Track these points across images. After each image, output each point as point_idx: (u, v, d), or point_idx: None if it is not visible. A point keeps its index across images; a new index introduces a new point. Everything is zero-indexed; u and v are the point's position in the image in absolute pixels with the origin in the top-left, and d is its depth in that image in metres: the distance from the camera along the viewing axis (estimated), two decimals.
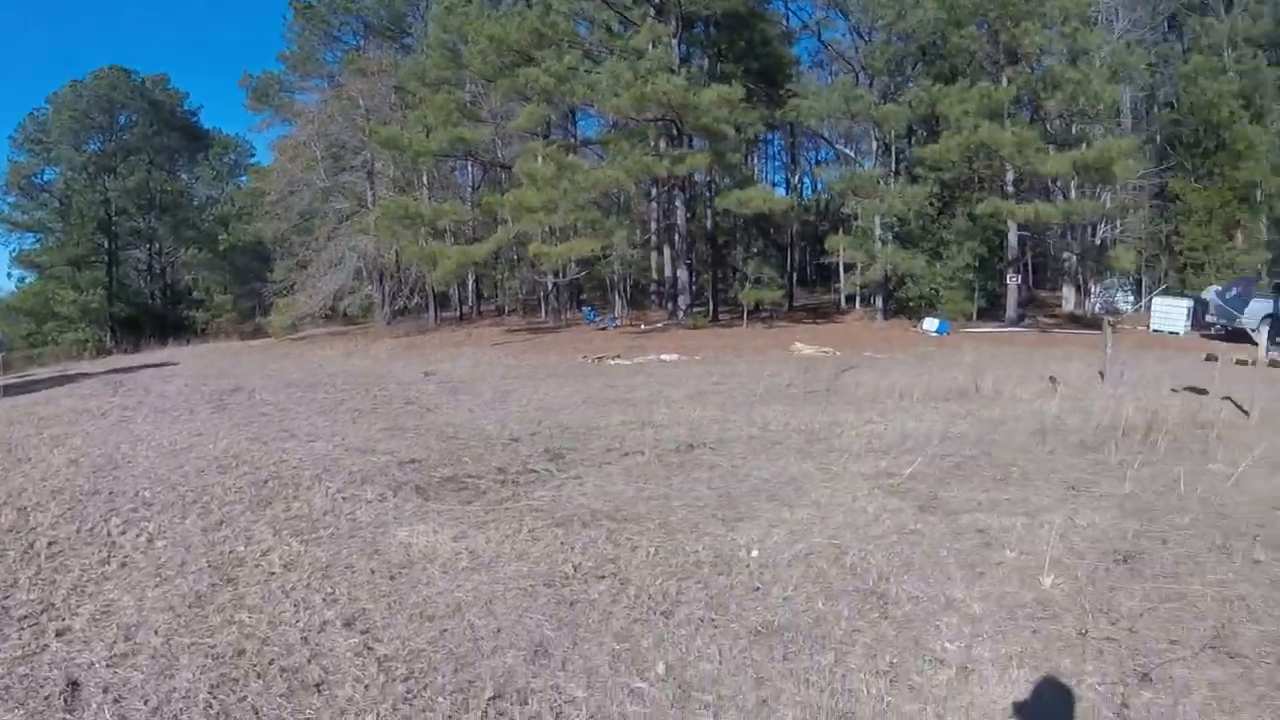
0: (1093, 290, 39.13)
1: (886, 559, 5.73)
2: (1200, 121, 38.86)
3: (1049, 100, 32.62)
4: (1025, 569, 5.66)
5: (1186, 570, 5.78)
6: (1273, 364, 18.71)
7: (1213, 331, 28.16)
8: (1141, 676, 4.45)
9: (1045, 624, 4.94)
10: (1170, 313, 31.37)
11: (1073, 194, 35.81)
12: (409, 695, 3.95)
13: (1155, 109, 45.43)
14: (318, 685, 4.01)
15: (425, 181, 42.00)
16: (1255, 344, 19.37)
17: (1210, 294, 26.86)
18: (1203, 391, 12.85)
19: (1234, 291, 22.59)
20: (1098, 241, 38.46)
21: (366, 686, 4.01)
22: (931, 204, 34.61)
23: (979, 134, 30.24)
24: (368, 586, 5.12)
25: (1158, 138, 43.31)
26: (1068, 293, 39.80)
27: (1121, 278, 39.80)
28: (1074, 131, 35.41)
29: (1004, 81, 32.34)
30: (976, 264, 33.86)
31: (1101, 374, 14.57)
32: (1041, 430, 10.23)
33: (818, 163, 54.35)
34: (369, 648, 4.38)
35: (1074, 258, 38.57)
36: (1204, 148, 39.04)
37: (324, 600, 4.89)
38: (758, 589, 5.21)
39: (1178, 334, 30.07)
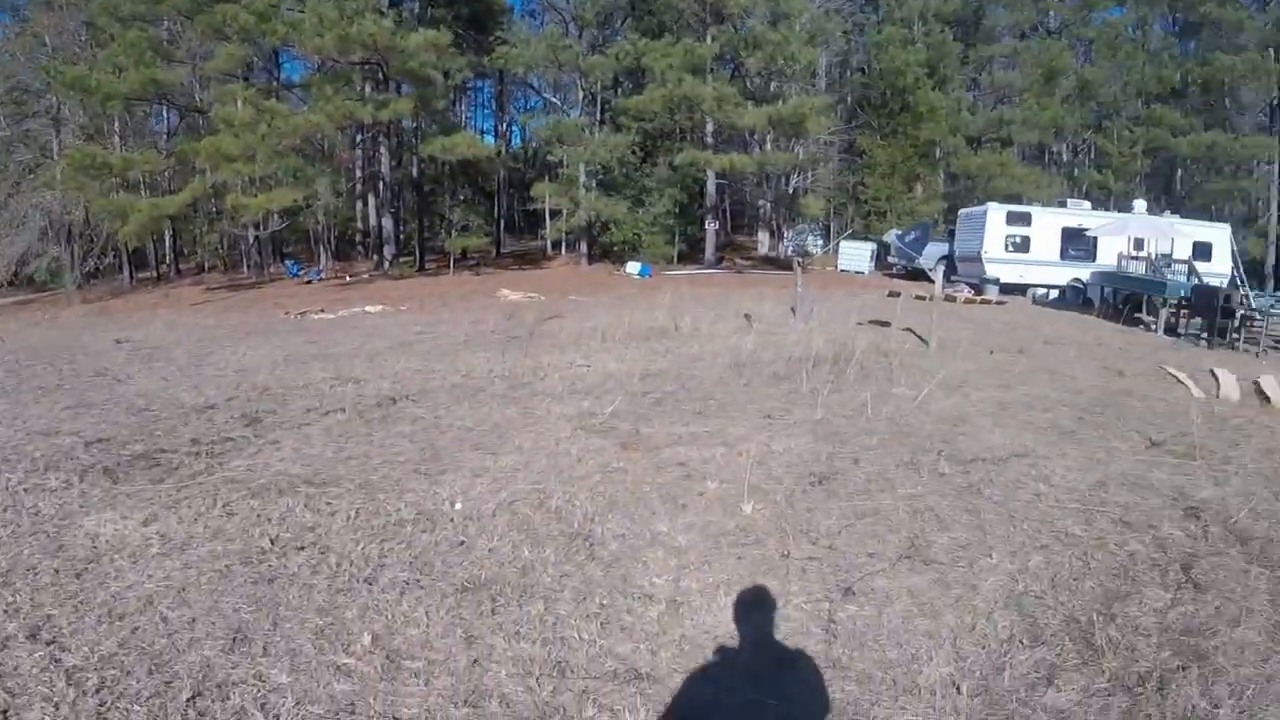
0: (786, 234, 41.52)
1: (591, 500, 5.71)
2: (888, 86, 41.76)
3: (749, 58, 34.09)
4: (727, 498, 5.81)
5: (878, 487, 6.16)
6: (948, 299, 20.42)
7: (894, 271, 30.69)
8: (845, 591, 4.65)
9: (749, 549, 5.08)
10: (856, 254, 33.93)
11: (768, 146, 37.61)
12: (102, 708, 3.45)
13: (848, 72, 49.15)
14: (3, 714, 3.45)
15: (117, 129, 37.63)
16: (932, 282, 21.09)
17: (891, 237, 29.17)
18: (886, 324, 13.85)
19: (912, 236, 24.84)
20: (790, 190, 40.85)
21: (56, 705, 3.46)
22: (634, 153, 35.44)
23: (682, 87, 31.22)
24: (52, 589, 4.45)
25: (849, 98, 46.82)
26: (763, 237, 42.26)
27: (812, 223, 42.50)
28: (771, 89, 37.42)
29: (708, 39, 33.52)
30: (677, 210, 35.33)
31: (793, 310, 15.39)
32: (738, 364, 10.68)
33: (526, 110, 54.10)
34: (56, 660, 3.78)
35: (768, 205, 40.83)
36: (890, 109, 42.01)
37: (4, 612, 4.23)
38: (463, 543, 5.02)
39: (863, 273, 32.59)
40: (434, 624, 4.11)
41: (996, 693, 3.86)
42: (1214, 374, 12.55)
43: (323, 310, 21.24)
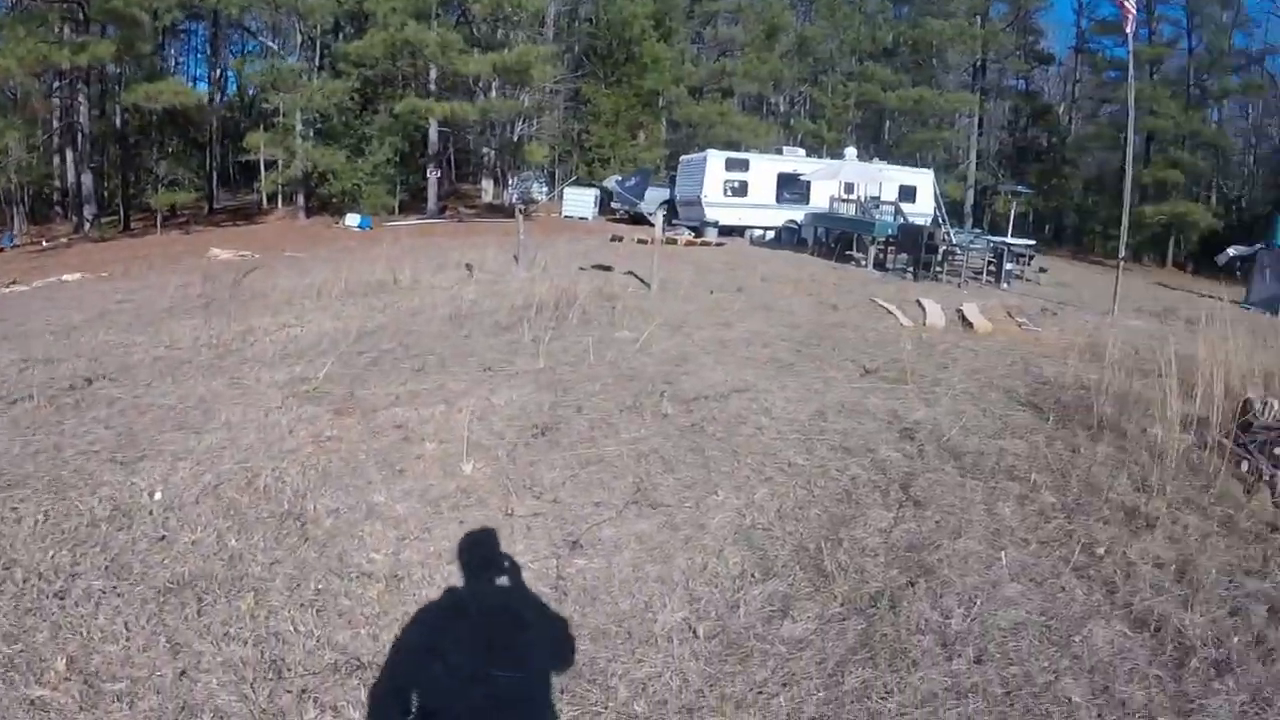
0: (511, 182, 41.01)
1: (302, 474, 5.13)
2: (615, 36, 42.01)
3: (476, 4, 33.30)
4: (446, 458, 5.41)
5: (602, 434, 5.94)
6: (669, 242, 20.66)
7: (618, 216, 30.88)
8: (572, 545, 4.43)
9: (471, 511, 4.75)
10: (580, 200, 33.97)
11: (493, 94, 36.84)
12: None
13: (576, 22, 48.78)
14: None
15: None
16: (653, 226, 21.27)
17: (612, 183, 29.33)
18: (609, 269, 13.80)
19: (633, 181, 25.03)
20: (515, 138, 40.30)
21: None
22: (353, 100, 33.74)
23: (405, 32, 30.07)
24: None
25: (575, 47, 46.70)
26: (487, 185, 41.59)
27: (536, 170, 42.14)
28: (498, 36, 36.49)
29: None
30: (398, 159, 33.98)
31: (516, 258, 15.07)
32: (459, 316, 10.23)
33: (241, 55, 50.41)
34: None
35: (493, 153, 40.13)
36: (616, 59, 42.28)
37: None
38: (163, 538, 4.35)
39: (587, 219, 32.66)
40: (135, 636, 3.55)
41: (733, 631, 3.78)
42: (920, 304, 13.34)
43: (14, 282, 18.84)
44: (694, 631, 3.77)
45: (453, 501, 4.85)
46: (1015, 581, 4.26)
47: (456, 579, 4.11)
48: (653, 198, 28.36)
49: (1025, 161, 47.94)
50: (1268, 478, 5.79)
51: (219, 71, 47.92)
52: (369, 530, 4.49)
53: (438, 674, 3.46)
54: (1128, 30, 15.21)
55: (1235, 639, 3.88)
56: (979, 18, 44.09)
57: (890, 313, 12.54)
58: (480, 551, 4.33)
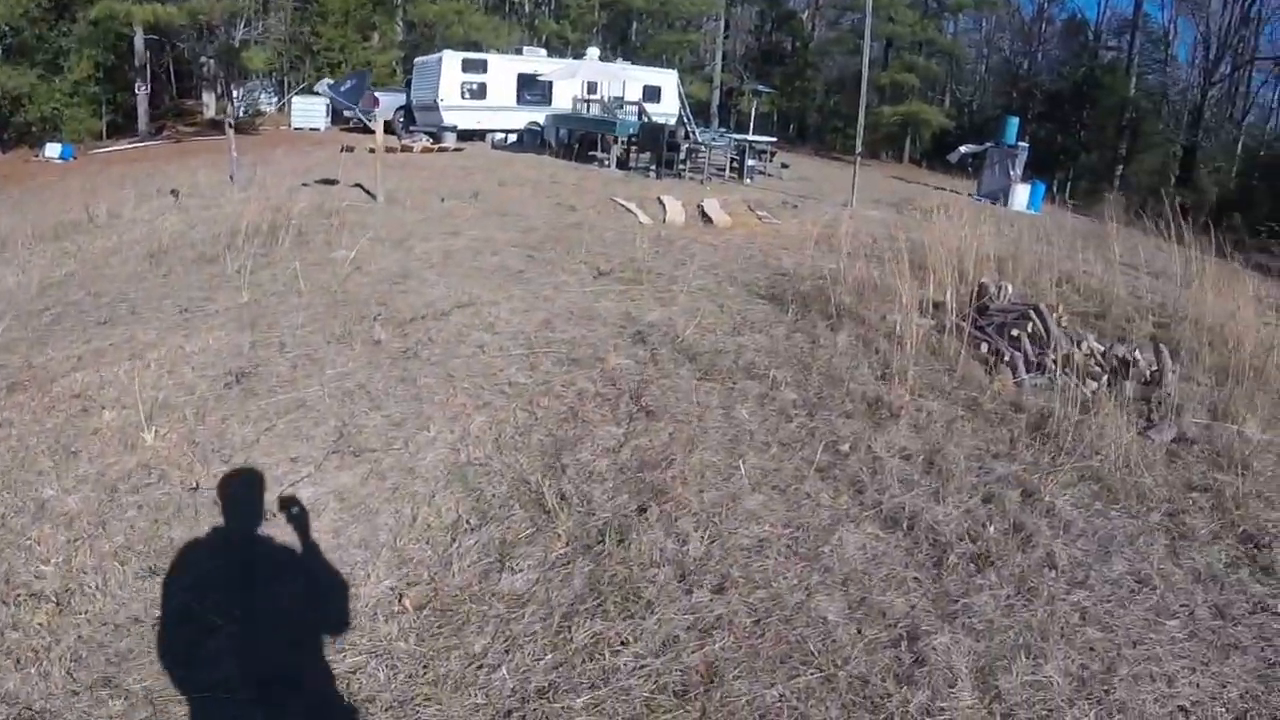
0: (235, 94, 37.81)
1: None
2: None
3: None
4: (126, 429, 4.62)
5: (305, 373, 5.31)
6: (404, 149, 19.92)
7: (351, 125, 28.99)
8: (263, 516, 3.88)
9: (151, 491, 4.07)
10: (310, 110, 31.67)
11: None
12: None
13: None
14: None
15: None
16: (390, 134, 20.00)
17: (322, 88, 27.23)
18: (334, 182, 12.74)
19: (348, 85, 22.76)
20: (237, 44, 36.99)
21: None
22: (41, 8, 29.62)
23: None
24: None
25: None
26: (208, 99, 37.97)
27: (263, 80, 39.11)
28: None
29: None
30: (101, 75, 30.14)
31: (232, 178, 13.67)
32: (159, 253, 9.04)
33: None
34: None
35: (210, 62, 36.68)
36: None
37: None
38: None
39: (319, 130, 30.52)
40: None
41: (447, 594, 3.39)
42: (661, 201, 13.05)
43: None
44: (401, 600, 3.36)
45: (132, 482, 4.15)
46: (757, 492, 4.09)
47: (130, 584, 3.47)
48: (387, 104, 26.89)
49: (770, 64, 48.72)
50: (1007, 358, 5.83)
51: None
52: (38, 535, 3.76)
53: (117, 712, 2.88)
54: None
55: (990, 528, 3.86)
56: None
57: (630, 211, 12.22)
58: (158, 543, 3.71)
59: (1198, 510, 4.14)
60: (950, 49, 44.51)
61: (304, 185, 12.87)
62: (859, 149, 16.74)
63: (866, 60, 18.06)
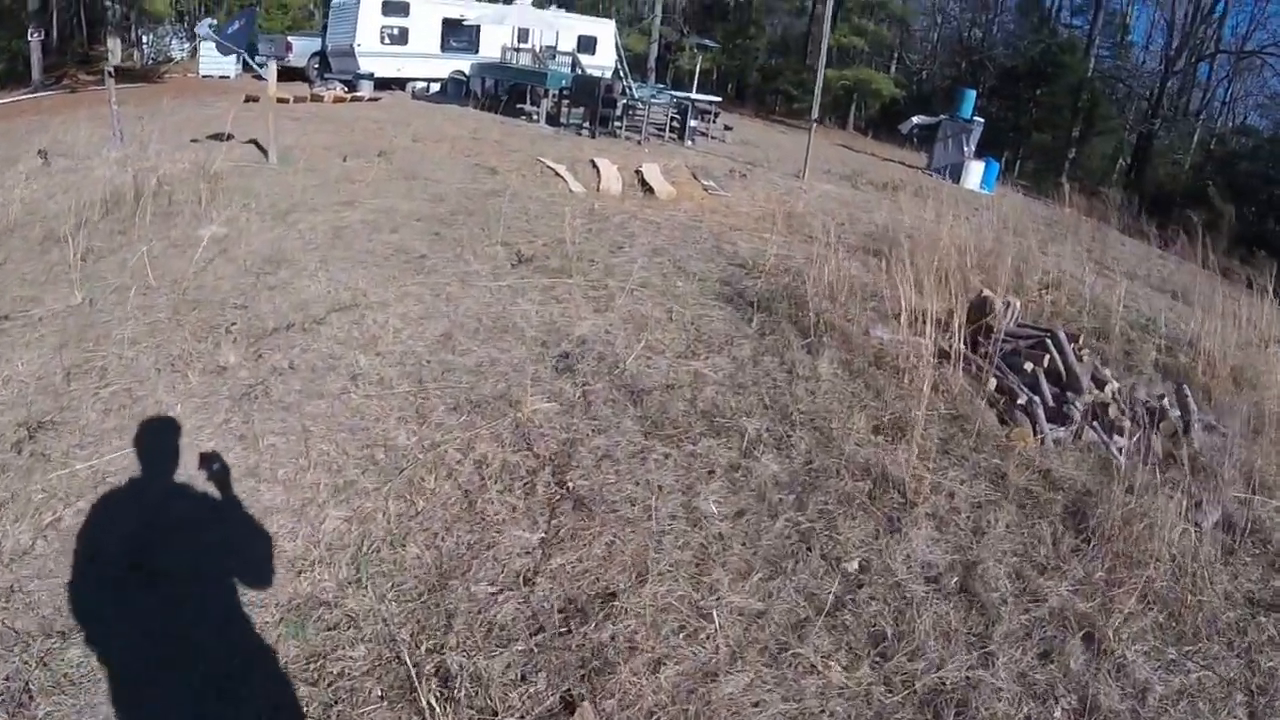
0: (144, 40, 35.29)
1: None
2: None
3: None
4: None
5: (117, 423, 4.01)
6: (314, 98, 18.37)
7: (262, 73, 26.93)
8: None
9: None
10: (219, 56, 29.48)
11: None
12: None
13: None
14: None
15: None
16: (307, 82, 18.29)
17: (203, 28, 25.08)
18: (228, 137, 11.19)
19: (235, 26, 20.46)
20: None
21: None
22: None
23: None
24: None
25: None
26: (114, 45, 35.39)
27: (176, 24, 36.55)
28: None
29: None
30: None
31: (121, 135, 11.99)
32: (3, 231, 7.44)
33: None
34: None
35: (116, 7, 34.14)
36: None
37: None
38: None
39: (229, 77, 28.32)
40: None
41: None
42: (595, 165, 11.77)
43: None
44: None
45: None
46: (738, 662, 2.89)
47: None
48: (301, 49, 25.09)
49: (711, 20, 47.22)
50: (1022, 402, 4.75)
51: None
52: None
53: None
54: None
55: (1058, 711, 2.85)
56: None
57: (559, 176, 10.90)
58: None
59: (1273, 647, 3.26)
60: (902, 14, 43.38)
61: (193, 141, 11.31)
62: (814, 116, 15.51)
63: (828, 21, 16.81)
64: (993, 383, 5.04)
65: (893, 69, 44.63)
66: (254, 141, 10.99)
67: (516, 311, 5.47)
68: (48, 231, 7.06)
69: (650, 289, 6.20)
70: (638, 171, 11.69)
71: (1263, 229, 23.68)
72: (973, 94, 21.47)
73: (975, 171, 18.74)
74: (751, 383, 4.72)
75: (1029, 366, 5.08)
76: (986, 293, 5.84)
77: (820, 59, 15.77)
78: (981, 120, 20.52)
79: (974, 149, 19.43)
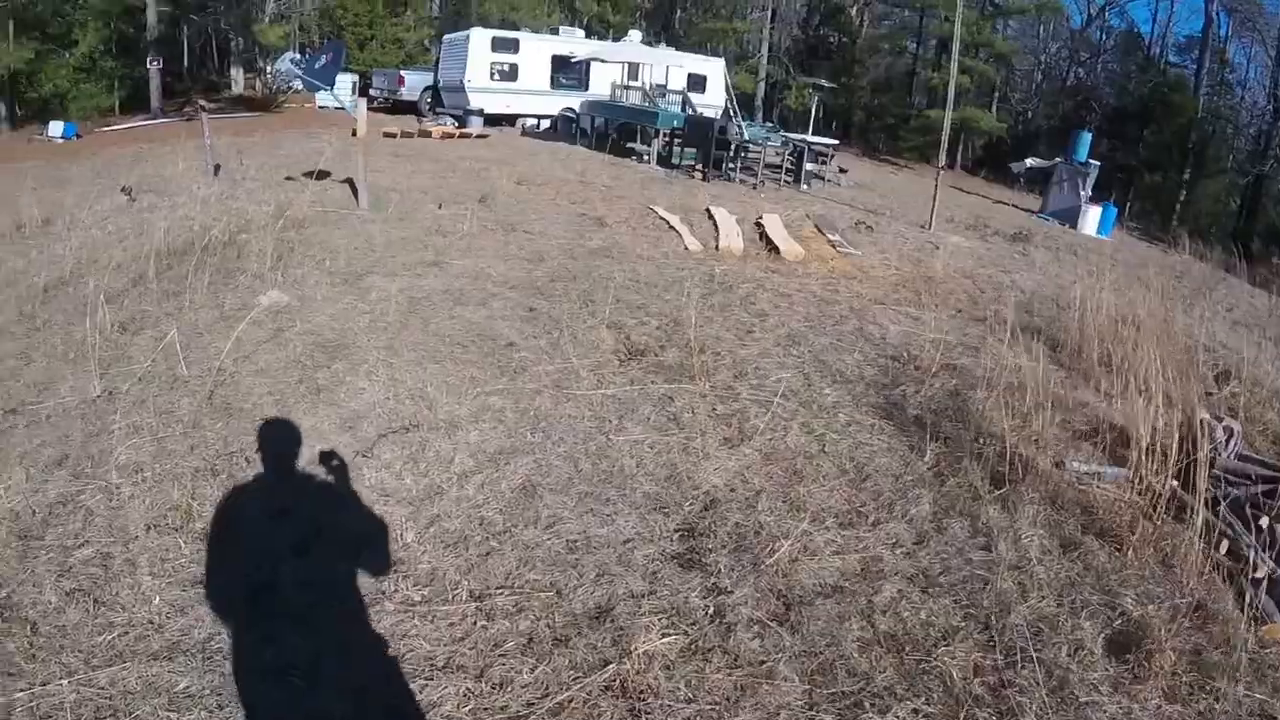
0: (267, 69, 35.65)
1: None
2: None
3: None
4: None
5: (47, 658, 3.10)
6: (422, 134, 18.02)
7: (376, 104, 26.76)
8: None
9: None
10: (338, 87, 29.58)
11: None
12: None
13: None
14: None
15: None
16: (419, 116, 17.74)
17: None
18: (325, 175, 10.42)
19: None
20: (266, 20, 34.83)
21: None
22: None
23: None
24: None
25: None
26: (236, 74, 35.91)
27: (294, 54, 36.87)
28: None
29: None
30: (113, 50, 28.04)
31: (215, 170, 11.32)
32: (58, 283, 6.54)
33: None
34: None
35: (239, 39, 34.67)
36: None
37: None
38: None
39: (345, 110, 28.24)
40: None
41: None
42: (711, 216, 10.63)
43: None
44: None
45: None
46: None
47: None
48: (415, 83, 25.12)
49: (816, 59, 46.35)
50: (1262, 575, 3.43)
51: None
52: None
53: None
54: None
55: None
56: None
57: (673, 229, 9.79)
58: None
59: None
60: (1006, 53, 41.82)
61: (287, 179, 10.57)
62: (942, 163, 14.09)
63: (955, 63, 15.48)
64: (1224, 545, 3.69)
65: (993, 107, 43.14)
66: (349, 180, 10.17)
67: (625, 445, 4.25)
68: (99, 287, 6.19)
69: (792, 400, 4.96)
70: (758, 224, 10.53)
71: None
72: (1089, 136, 20.23)
73: (1093, 217, 17.59)
74: (940, 571, 3.40)
75: (1264, 523, 3.71)
76: (1204, 415, 4.43)
77: (948, 105, 14.32)
78: (1097, 164, 19.30)
79: (1089, 192, 18.32)
